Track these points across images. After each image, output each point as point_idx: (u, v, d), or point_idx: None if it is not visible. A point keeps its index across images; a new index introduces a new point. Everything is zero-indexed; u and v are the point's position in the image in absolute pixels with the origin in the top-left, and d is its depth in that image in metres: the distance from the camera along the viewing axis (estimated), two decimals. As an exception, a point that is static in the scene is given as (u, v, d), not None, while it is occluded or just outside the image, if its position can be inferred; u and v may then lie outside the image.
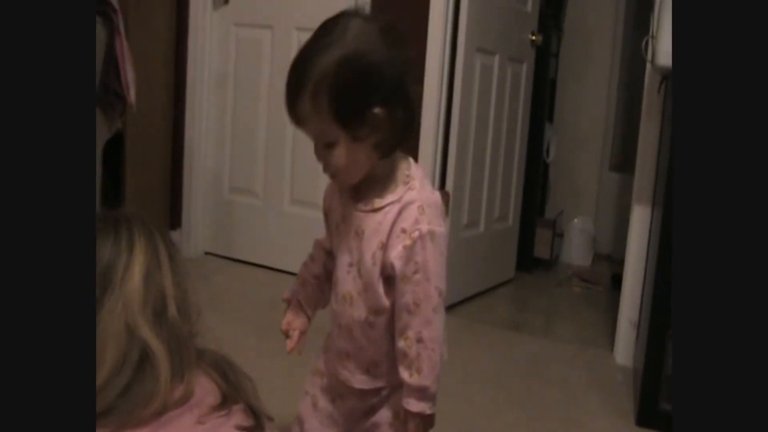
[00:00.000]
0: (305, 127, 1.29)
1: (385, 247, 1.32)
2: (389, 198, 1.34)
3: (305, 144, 3.51)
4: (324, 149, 1.30)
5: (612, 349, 2.90)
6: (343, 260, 1.41)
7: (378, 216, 1.34)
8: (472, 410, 2.32)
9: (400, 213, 1.32)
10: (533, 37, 3.70)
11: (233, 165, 3.63)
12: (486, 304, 3.44)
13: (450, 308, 3.24)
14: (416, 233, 1.30)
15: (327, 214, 1.51)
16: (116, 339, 1.03)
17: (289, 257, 3.46)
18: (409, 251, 1.30)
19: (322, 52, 1.24)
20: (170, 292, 1.11)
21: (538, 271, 4.11)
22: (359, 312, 1.39)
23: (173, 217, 3.65)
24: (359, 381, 1.45)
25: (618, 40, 4.53)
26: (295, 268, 3.37)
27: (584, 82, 4.58)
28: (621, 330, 2.87)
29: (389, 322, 1.38)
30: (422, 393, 1.34)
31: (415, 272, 1.30)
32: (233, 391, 1.12)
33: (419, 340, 1.32)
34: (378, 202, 1.34)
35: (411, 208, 1.32)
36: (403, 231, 1.31)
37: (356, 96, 1.25)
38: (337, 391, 1.51)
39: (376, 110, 1.25)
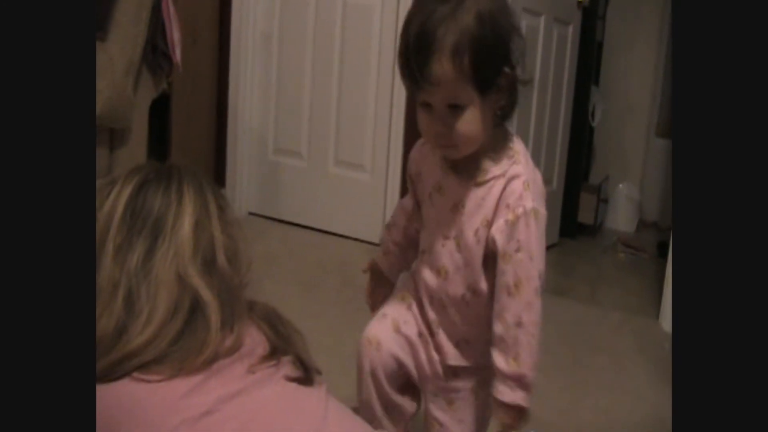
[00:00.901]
0: (437, 89, 1.18)
1: (490, 224, 1.25)
2: (493, 171, 1.27)
3: (350, 105, 3.50)
4: (450, 115, 1.20)
5: (658, 317, 2.86)
6: (437, 232, 1.34)
7: (481, 191, 1.27)
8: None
9: (505, 187, 1.25)
10: (580, -2, 3.63)
11: (278, 126, 3.63)
12: (529, 268, 3.41)
13: (493, 272, 3.22)
14: (520, 209, 1.23)
15: (414, 180, 1.42)
16: (168, 287, 1.04)
17: (333, 219, 3.47)
18: (512, 227, 1.24)
19: (456, 9, 1.16)
20: (220, 243, 1.12)
21: (582, 236, 4.06)
22: (455, 288, 1.33)
23: (218, 177, 3.67)
24: (449, 353, 1.39)
25: (668, 2, 4.42)
26: (339, 229, 3.44)
27: (632, 45, 4.49)
28: (667, 297, 2.82)
29: (487, 302, 1.31)
30: (519, 382, 1.26)
31: (517, 250, 1.23)
32: (282, 342, 1.13)
33: (518, 324, 1.24)
34: (482, 176, 1.27)
35: (516, 183, 1.25)
36: (507, 206, 1.24)
37: (495, 54, 1.18)
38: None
39: (507, 70, 1.20)
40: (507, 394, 1.26)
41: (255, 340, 1.10)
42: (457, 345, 1.38)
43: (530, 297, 1.25)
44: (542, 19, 3.37)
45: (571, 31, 3.65)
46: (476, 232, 1.27)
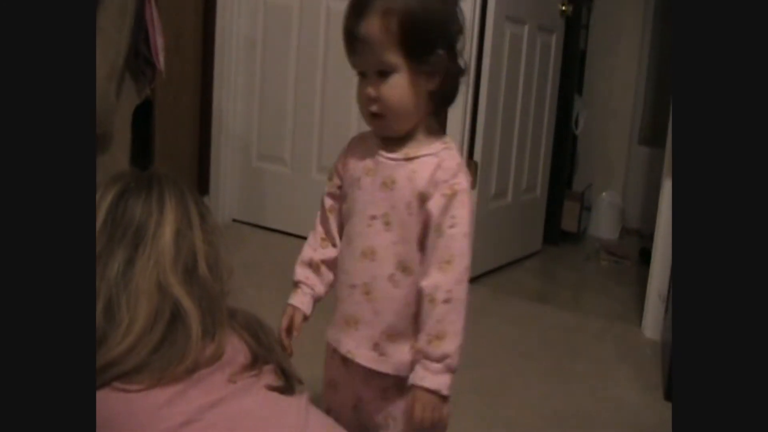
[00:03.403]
0: (366, 50, 1.25)
1: (423, 197, 1.25)
2: (426, 150, 1.28)
3: (333, 112, 3.49)
4: (377, 79, 1.26)
5: (640, 323, 2.87)
6: (362, 214, 1.31)
7: (412, 165, 1.28)
8: (501, 381, 2.31)
9: (439, 165, 1.26)
10: (563, 8, 3.64)
11: (261, 132, 3.63)
12: (513, 275, 3.42)
13: (476, 279, 3.22)
14: (458, 186, 1.24)
15: (340, 172, 1.40)
16: (148, 296, 1.04)
17: (316, 226, 3.46)
18: (449, 202, 1.23)
19: None
20: (201, 251, 1.12)
21: (565, 244, 4.07)
22: (384, 267, 1.29)
23: (201, 183, 3.66)
24: (363, 357, 1.33)
25: (650, 12, 4.45)
26: (322, 236, 3.40)
27: (615, 54, 4.51)
28: (650, 304, 2.84)
29: (414, 283, 1.27)
30: (442, 364, 1.20)
31: (452, 226, 1.22)
32: (264, 351, 1.13)
33: (447, 300, 1.21)
34: (413, 152, 1.28)
35: (450, 162, 1.27)
36: (444, 182, 1.25)
37: (426, 29, 1.23)
38: (335, 376, 1.43)
39: (441, 52, 1.24)
40: (429, 379, 1.20)
41: (236, 349, 1.10)
42: (375, 346, 1.32)
43: (461, 274, 1.23)
44: (526, 28, 3.38)
45: (555, 40, 3.67)
46: (408, 205, 1.27)
